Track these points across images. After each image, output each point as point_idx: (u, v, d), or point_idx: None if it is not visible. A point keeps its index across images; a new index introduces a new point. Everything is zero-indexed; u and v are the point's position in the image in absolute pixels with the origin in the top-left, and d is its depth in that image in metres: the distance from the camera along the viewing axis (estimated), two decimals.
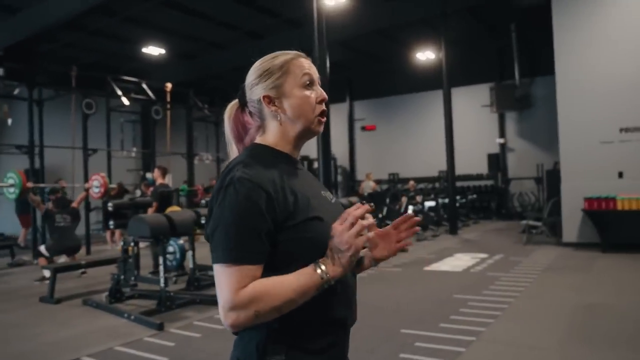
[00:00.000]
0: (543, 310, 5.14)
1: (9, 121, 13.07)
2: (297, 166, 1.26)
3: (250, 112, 1.27)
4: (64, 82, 12.10)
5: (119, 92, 12.43)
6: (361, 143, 19.24)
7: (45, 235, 9.58)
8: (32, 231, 10.61)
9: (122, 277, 5.92)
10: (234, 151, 1.31)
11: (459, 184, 15.05)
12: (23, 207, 11.08)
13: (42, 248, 7.68)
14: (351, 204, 1.52)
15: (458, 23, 13.55)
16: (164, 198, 7.46)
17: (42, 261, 7.57)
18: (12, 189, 7.62)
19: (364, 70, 18.06)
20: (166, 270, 5.74)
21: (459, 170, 15.70)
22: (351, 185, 18.83)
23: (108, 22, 12.05)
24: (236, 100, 1.31)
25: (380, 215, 11.37)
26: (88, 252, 10.28)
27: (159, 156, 16.08)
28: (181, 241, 7.63)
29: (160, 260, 5.65)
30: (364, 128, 19.12)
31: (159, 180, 7.78)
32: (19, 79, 11.61)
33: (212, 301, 5.86)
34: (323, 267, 1.07)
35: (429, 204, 13.01)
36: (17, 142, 11.39)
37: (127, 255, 5.92)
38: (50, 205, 7.88)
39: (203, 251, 8.35)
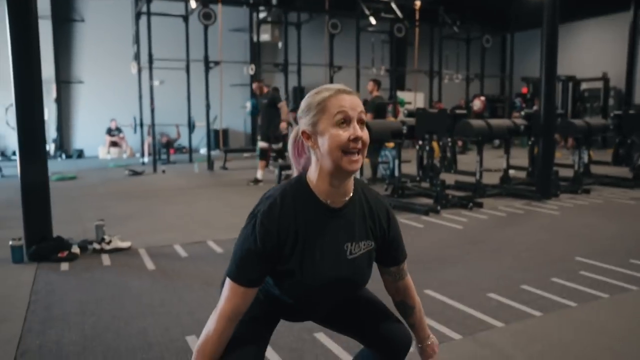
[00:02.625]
0: None
1: (279, 44, 14.97)
2: (330, 214, 1.33)
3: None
4: (318, 6, 13.15)
5: (367, 12, 12.97)
6: None
7: None
8: None
9: None
10: (293, 165, 1.45)
11: None
12: None
13: None
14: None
15: None
16: (379, 109, 7.85)
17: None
18: None
19: None
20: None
21: None
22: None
23: None
24: None
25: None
26: None
27: (408, 73, 16.50)
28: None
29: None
30: None
31: (374, 93, 8.21)
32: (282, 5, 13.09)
33: (405, 207, 6.14)
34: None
35: None
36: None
37: None
38: None
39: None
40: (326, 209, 1.32)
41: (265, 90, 8.69)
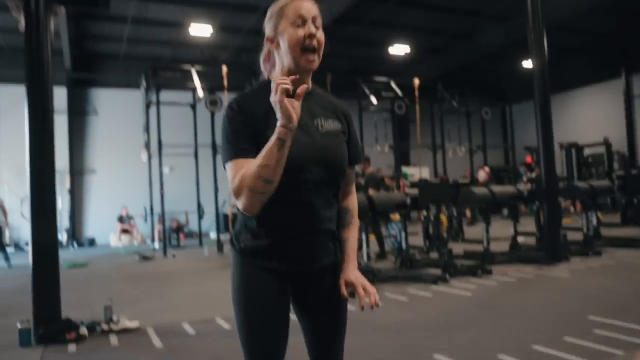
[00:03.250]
0: None
1: None
2: (293, 94, 1.39)
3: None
4: (320, 87, 13.68)
5: (368, 92, 13.48)
6: None
7: None
8: None
9: None
10: (263, 73, 1.61)
11: None
12: None
13: None
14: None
15: None
16: (376, 183, 8.04)
17: None
18: None
19: None
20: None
21: None
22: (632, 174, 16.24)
23: (354, 29, 13.21)
24: None
25: None
26: None
27: (412, 149, 16.82)
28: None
29: (364, 236, 6.12)
30: None
31: (367, 170, 8.57)
32: None
33: (413, 278, 6.09)
34: (276, 131, 1.30)
35: None
36: None
37: None
38: None
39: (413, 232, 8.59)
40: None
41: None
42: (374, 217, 6.48)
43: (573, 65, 17.03)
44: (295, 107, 1.29)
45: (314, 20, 1.45)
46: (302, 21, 1.43)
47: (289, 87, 1.28)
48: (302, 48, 1.42)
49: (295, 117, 1.28)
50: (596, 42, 15.94)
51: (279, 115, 1.29)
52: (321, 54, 1.46)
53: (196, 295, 5.98)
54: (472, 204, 6.87)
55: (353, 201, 1.63)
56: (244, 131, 1.41)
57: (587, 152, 16.47)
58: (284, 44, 1.44)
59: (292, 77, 1.32)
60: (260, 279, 1.46)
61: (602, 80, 17.11)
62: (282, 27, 1.45)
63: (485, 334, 3.73)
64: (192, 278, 7.35)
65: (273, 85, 1.29)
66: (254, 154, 1.36)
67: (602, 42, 15.92)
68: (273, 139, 1.30)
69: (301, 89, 1.30)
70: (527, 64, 16.42)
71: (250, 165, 1.33)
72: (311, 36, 1.43)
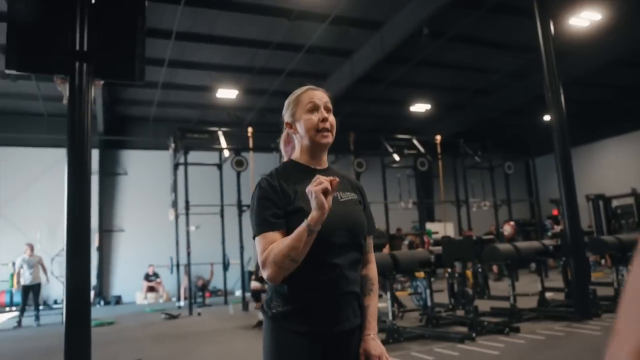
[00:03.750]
0: None
1: None
2: (314, 172, 1.61)
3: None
4: (344, 147, 13.98)
5: (390, 150, 13.69)
6: None
7: None
8: None
9: None
10: (283, 155, 1.85)
11: None
12: None
13: None
14: None
15: None
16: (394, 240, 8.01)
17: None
18: None
19: None
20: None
21: None
22: None
23: (376, 89, 13.59)
24: None
25: None
26: None
27: (436, 205, 16.82)
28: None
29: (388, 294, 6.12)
30: None
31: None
32: None
33: (439, 337, 6.02)
34: (307, 218, 1.46)
35: None
36: None
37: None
38: None
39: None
40: (312, 169, 1.67)
41: None
42: (398, 273, 6.50)
43: (597, 118, 17.07)
44: (328, 201, 1.44)
45: (326, 106, 1.68)
46: (315, 107, 1.66)
47: (328, 187, 1.44)
48: (318, 130, 1.65)
49: (327, 210, 1.44)
50: (618, 94, 16.06)
51: (313, 204, 1.44)
52: (334, 133, 1.69)
53: (222, 355, 6.00)
54: (497, 260, 6.83)
55: (373, 269, 1.75)
56: (272, 207, 1.56)
57: (615, 203, 16.22)
58: (301, 128, 1.67)
59: (333, 179, 1.46)
60: (290, 342, 1.54)
61: (627, 132, 17.06)
62: (298, 115, 1.68)
63: None
64: (218, 337, 7.37)
65: (316, 180, 1.45)
66: (282, 227, 1.55)
67: (624, 94, 16.03)
68: (304, 225, 1.45)
69: (333, 186, 1.46)
70: (548, 117, 16.57)
71: (279, 243, 1.49)
72: (324, 120, 1.65)
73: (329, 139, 1.67)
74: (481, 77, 13.69)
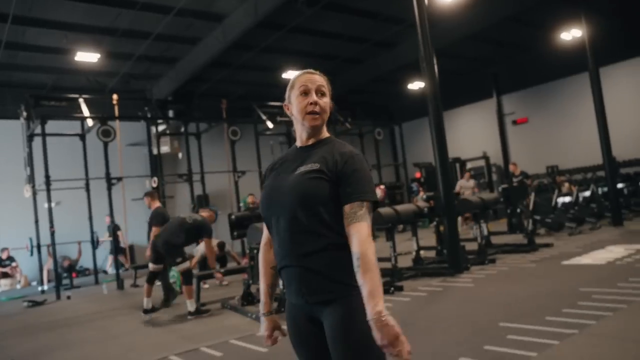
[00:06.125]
0: None
1: (179, 155, 15.11)
2: (299, 150, 1.83)
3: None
4: (216, 115, 13.58)
5: (263, 117, 13.57)
6: (514, 138, 18.17)
7: None
8: None
9: (250, 282, 6.54)
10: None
11: (630, 169, 13.59)
12: None
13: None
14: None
15: None
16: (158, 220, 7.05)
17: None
18: None
19: (508, 62, 17.20)
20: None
21: (629, 154, 14.11)
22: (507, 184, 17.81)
23: (248, 56, 13.28)
24: None
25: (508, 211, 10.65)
26: None
27: None
28: None
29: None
30: (515, 122, 18.05)
31: (154, 205, 7.39)
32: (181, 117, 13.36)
33: None
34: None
35: (585, 194, 11.84)
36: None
37: (252, 261, 6.53)
38: None
39: None
40: (297, 147, 1.85)
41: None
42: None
43: (452, 87, 18.40)
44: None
45: (318, 89, 1.79)
46: (307, 91, 1.78)
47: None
48: (307, 112, 1.76)
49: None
50: (470, 66, 17.48)
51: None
52: (325, 117, 1.80)
53: (105, 341, 5.60)
54: (380, 224, 7.12)
55: (355, 243, 1.60)
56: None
57: (469, 165, 17.80)
58: (294, 110, 1.81)
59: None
60: (290, 314, 1.80)
61: (478, 100, 18.67)
62: (293, 97, 1.82)
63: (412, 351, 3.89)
64: (96, 322, 6.82)
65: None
66: None
67: (475, 67, 17.49)
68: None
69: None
70: (412, 86, 17.58)
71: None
72: (313, 103, 1.76)
73: (317, 121, 1.78)
74: (351, 45, 13.99)
